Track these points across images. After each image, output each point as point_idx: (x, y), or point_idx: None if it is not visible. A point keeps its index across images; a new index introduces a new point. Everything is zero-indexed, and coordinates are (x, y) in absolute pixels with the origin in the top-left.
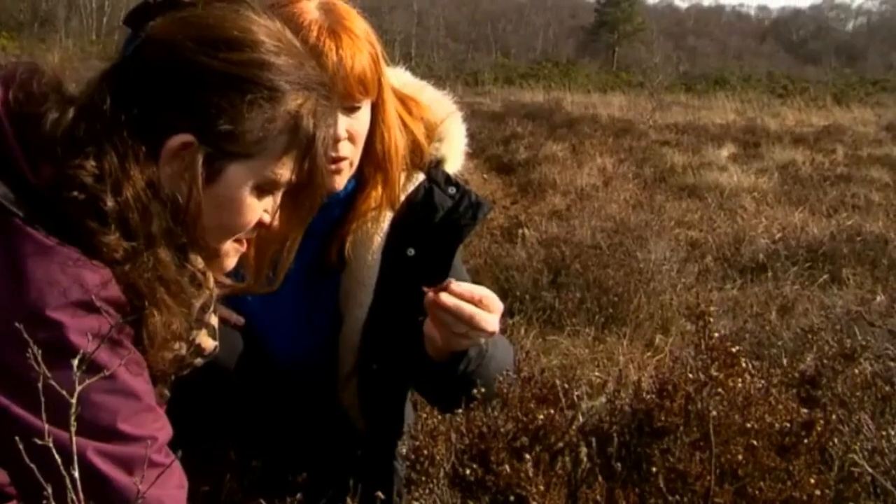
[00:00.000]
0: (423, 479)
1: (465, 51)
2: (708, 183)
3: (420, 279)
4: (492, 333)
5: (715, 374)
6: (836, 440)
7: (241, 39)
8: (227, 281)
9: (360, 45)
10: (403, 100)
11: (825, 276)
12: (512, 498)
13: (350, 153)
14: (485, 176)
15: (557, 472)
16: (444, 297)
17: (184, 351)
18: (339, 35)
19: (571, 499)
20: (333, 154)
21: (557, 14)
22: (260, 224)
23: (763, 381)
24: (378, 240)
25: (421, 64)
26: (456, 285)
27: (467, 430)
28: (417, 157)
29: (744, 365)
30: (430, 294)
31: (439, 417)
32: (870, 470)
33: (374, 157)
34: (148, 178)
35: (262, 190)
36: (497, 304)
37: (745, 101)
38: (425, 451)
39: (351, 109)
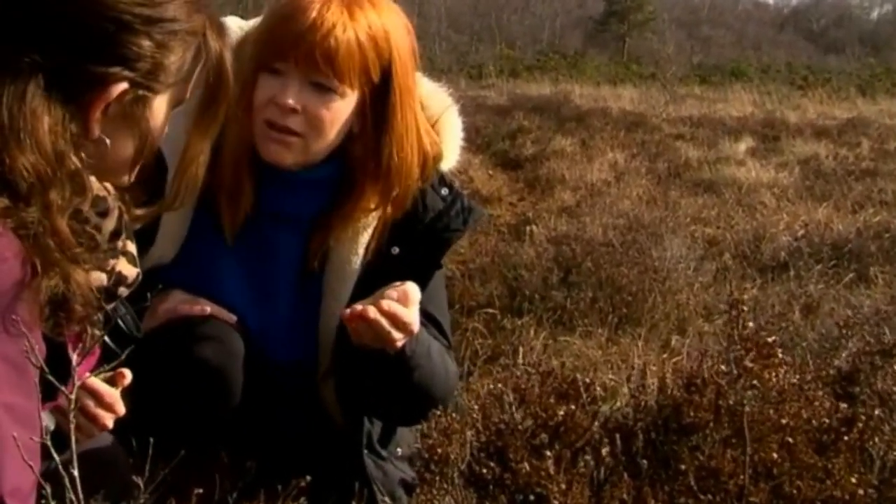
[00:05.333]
0: (437, 478)
1: (469, 42)
2: (725, 178)
3: (402, 278)
4: (412, 332)
5: (749, 365)
6: (876, 439)
7: None
8: (140, 211)
9: (359, 26)
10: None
11: (851, 275)
12: (531, 497)
13: (301, 129)
14: (490, 172)
15: (580, 471)
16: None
17: (105, 282)
18: (341, 4)
19: (595, 497)
20: (279, 121)
21: (564, 4)
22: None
23: (797, 376)
24: (365, 235)
25: (422, 56)
26: (386, 304)
27: (483, 428)
28: (423, 169)
29: (780, 356)
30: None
31: (453, 415)
32: None
33: (373, 168)
34: (60, 140)
35: (174, 108)
36: (414, 300)
37: (763, 93)
38: (439, 450)
39: (318, 87)
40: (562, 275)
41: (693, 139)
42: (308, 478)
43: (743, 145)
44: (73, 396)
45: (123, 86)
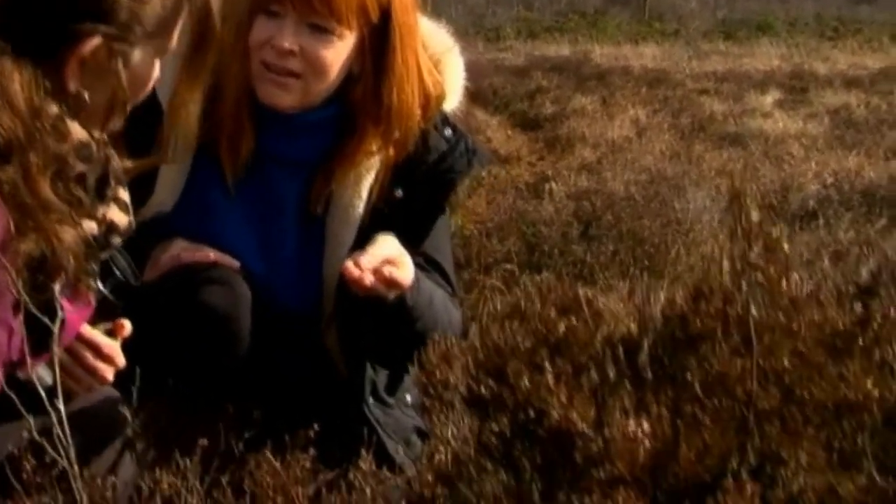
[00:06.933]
0: (437, 404)
1: (485, 5)
2: (751, 130)
3: (406, 222)
4: (408, 287)
5: (754, 260)
6: (892, 344)
7: None
8: (129, 164)
9: None
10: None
11: (883, 222)
12: (532, 413)
13: (300, 70)
14: (509, 132)
15: (582, 384)
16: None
17: (95, 231)
18: None
19: (597, 410)
20: (276, 63)
21: None
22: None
23: (811, 284)
24: (368, 179)
25: (438, 20)
26: (366, 260)
27: (481, 346)
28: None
29: (786, 249)
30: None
31: (452, 341)
32: None
33: (373, 108)
34: (36, 98)
35: (159, 57)
36: (406, 261)
37: (791, 47)
38: (437, 374)
39: (316, 28)
40: (581, 229)
41: (718, 94)
42: (316, 427)
43: (770, 98)
44: (56, 336)
45: (97, 40)
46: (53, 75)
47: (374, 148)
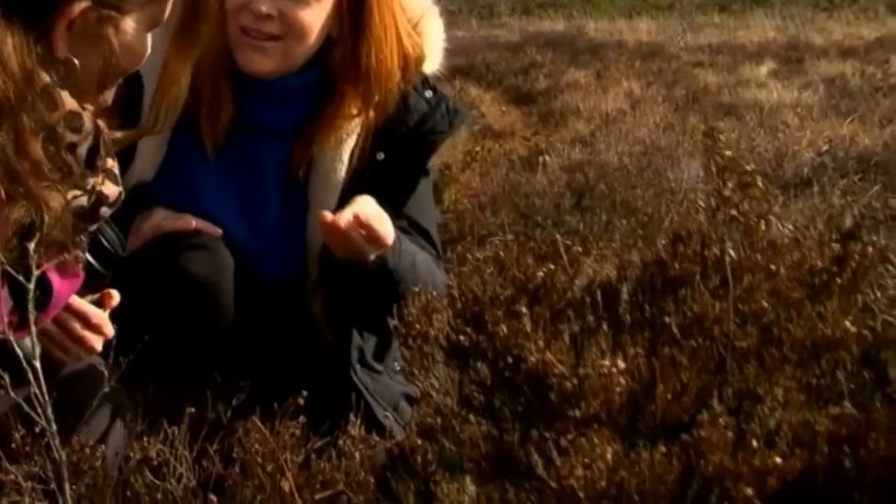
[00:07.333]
0: (417, 357)
1: None
2: (746, 101)
3: (388, 184)
4: (388, 245)
5: (728, 195)
6: (873, 288)
7: None
8: (118, 134)
9: None
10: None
11: (878, 187)
12: (510, 359)
13: (280, 32)
14: (503, 108)
15: (560, 330)
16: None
17: (85, 202)
18: None
19: (574, 352)
20: (254, 26)
21: None
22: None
23: (791, 227)
24: (349, 142)
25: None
26: (342, 217)
27: (460, 295)
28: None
29: (760, 185)
30: (324, 217)
31: (433, 294)
32: None
33: (352, 71)
34: (28, 61)
35: (150, 29)
36: (385, 219)
37: (786, 18)
38: (418, 327)
39: None
40: (575, 200)
41: (712, 65)
42: (304, 394)
43: (764, 68)
44: (31, 294)
45: (85, 3)
46: (43, 41)
47: (354, 111)
